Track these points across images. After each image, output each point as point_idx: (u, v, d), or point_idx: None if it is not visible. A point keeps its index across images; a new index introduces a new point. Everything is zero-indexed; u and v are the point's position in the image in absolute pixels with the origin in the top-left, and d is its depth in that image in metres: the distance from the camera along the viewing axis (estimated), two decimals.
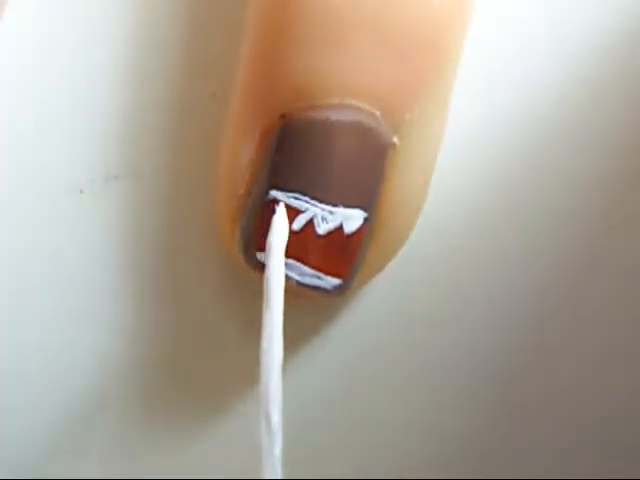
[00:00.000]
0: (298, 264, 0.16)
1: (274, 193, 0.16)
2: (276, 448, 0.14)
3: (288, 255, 0.16)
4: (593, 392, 0.19)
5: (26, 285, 0.18)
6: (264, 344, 0.15)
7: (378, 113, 0.15)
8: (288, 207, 0.16)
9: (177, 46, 0.18)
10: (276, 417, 0.15)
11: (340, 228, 0.16)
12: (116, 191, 0.18)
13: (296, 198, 0.16)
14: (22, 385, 0.19)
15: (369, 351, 0.19)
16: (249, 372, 0.18)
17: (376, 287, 0.18)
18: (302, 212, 0.16)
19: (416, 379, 0.19)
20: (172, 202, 0.18)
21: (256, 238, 0.16)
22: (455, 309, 0.19)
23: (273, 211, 0.16)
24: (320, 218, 0.16)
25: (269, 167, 0.16)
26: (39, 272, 0.18)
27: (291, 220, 0.16)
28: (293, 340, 0.18)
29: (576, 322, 0.19)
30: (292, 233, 0.16)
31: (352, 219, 0.16)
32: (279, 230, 0.16)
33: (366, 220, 0.16)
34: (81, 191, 0.18)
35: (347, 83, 0.15)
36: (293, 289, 0.16)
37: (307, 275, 0.16)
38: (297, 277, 0.16)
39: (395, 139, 0.16)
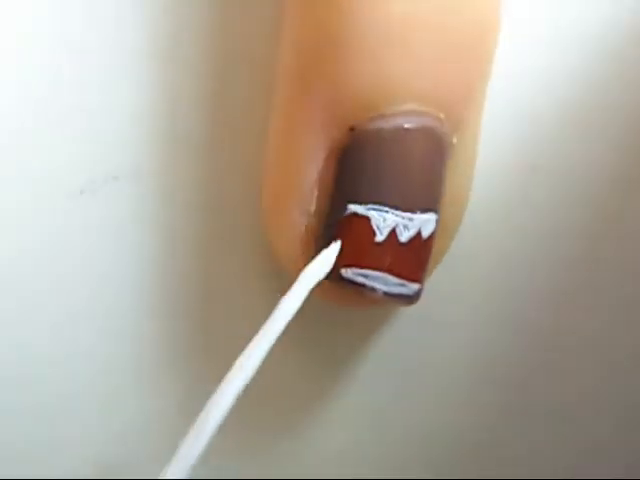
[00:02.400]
0: (384, 275, 0.16)
1: (353, 207, 0.16)
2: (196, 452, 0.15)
3: (374, 267, 0.16)
4: (593, 392, 0.19)
5: (26, 285, 0.18)
6: (243, 356, 0.15)
7: (442, 115, 0.16)
8: (370, 219, 0.16)
9: (176, 46, 0.18)
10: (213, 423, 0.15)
11: (419, 234, 0.16)
12: (116, 191, 0.18)
13: (376, 210, 0.16)
14: (23, 385, 0.19)
15: (370, 351, 0.19)
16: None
17: None
18: (384, 223, 0.16)
19: (416, 379, 0.19)
20: (172, 202, 0.18)
21: (340, 255, 0.16)
22: (456, 310, 0.19)
23: (355, 225, 0.16)
24: (402, 227, 0.16)
25: (344, 181, 0.16)
26: (39, 272, 0.18)
27: (374, 232, 0.16)
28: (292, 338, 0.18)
29: (576, 322, 0.19)
30: (376, 245, 0.16)
31: (428, 223, 0.16)
32: (322, 264, 0.16)
33: (437, 222, 0.16)
34: (81, 191, 0.18)
35: (412, 88, 0.15)
36: (376, 299, 0.16)
37: (392, 284, 0.16)
38: (384, 288, 0.16)
39: (454, 139, 0.16)
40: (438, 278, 0.18)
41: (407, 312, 0.19)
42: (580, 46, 0.18)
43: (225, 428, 0.18)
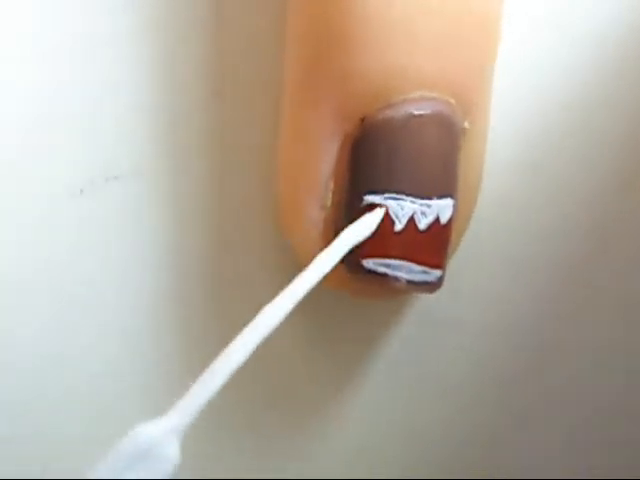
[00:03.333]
0: (406, 263, 0.16)
1: (370, 198, 0.16)
2: None
3: (395, 256, 0.16)
4: (594, 392, 0.19)
5: (26, 285, 0.18)
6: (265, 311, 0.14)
7: (452, 100, 0.16)
8: (388, 209, 0.16)
9: (177, 45, 0.18)
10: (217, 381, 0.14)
11: (437, 220, 0.16)
12: (116, 191, 0.18)
13: (393, 198, 0.16)
14: (22, 385, 0.18)
15: (371, 351, 0.19)
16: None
17: None
18: (402, 211, 0.16)
19: (420, 379, 0.19)
20: (172, 202, 0.18)
21: (360, 245, 0.16)
22: (458, 310, 0.19)
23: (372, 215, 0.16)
24: (420, 214, 0.16)
25: (358, 173, 0.16)
26: (39, 272, 0.18)
27: (392, 221, 0.16)
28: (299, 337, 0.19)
29: (578, 322, 0.19)
30: (395, 234, 0.16)
31: (446, 209, 0.16)
32: (364, 227, 0.16)
33: (454, 207, 0.16)
34: (81, 191, 0.18)
35: (422, 75, 0.16)
36: (399, 289, 0.16)
37: (415, 272, 0.16)
38: (407, 276, 0.16)
39: (466, 124, 0.16)
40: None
41: (411, 312, 0.19)
42: (583, 46, 0.18)
43: (236, 427, 0.19)
